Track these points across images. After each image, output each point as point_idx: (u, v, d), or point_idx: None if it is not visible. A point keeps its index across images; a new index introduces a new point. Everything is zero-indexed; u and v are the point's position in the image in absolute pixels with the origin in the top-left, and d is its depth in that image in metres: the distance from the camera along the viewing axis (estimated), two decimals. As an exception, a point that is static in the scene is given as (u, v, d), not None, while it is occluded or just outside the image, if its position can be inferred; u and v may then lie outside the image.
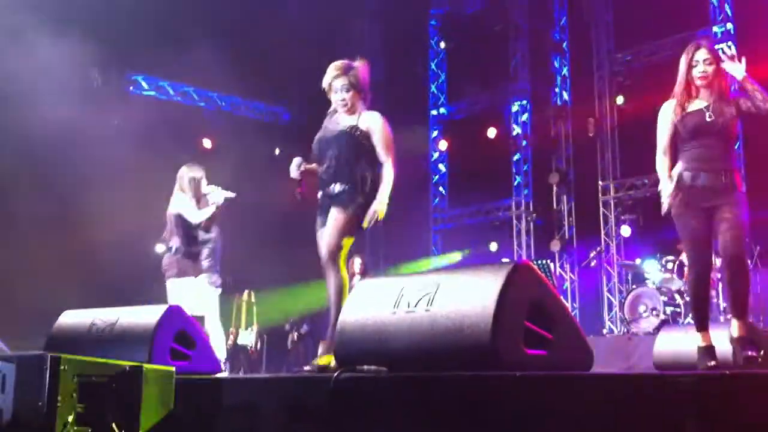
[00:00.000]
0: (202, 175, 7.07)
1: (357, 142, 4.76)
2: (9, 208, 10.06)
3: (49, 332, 5.05)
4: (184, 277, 6.81)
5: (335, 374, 3.26)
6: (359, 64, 4.93)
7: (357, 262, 10.49)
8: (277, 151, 13.29)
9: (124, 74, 12.55)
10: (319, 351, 4.69)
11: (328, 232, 4.66)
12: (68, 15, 10.04)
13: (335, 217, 4.66)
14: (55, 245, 9.51)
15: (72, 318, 5.06)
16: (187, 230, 6.92)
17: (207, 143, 13.14)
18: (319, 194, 4.92)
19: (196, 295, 6.87)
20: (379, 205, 4.70)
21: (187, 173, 7.06)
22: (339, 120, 4.89)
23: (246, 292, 11.60)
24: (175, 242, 6.88)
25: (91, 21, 10.29)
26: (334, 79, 4.85)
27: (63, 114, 9.98)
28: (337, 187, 4.73)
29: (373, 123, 4.80)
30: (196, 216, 6.90)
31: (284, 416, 3.50)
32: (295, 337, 12.65)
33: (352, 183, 4.71)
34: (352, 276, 10.42)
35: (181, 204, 6.98)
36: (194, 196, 6.97)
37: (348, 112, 4.86)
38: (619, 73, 12.72)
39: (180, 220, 6.94)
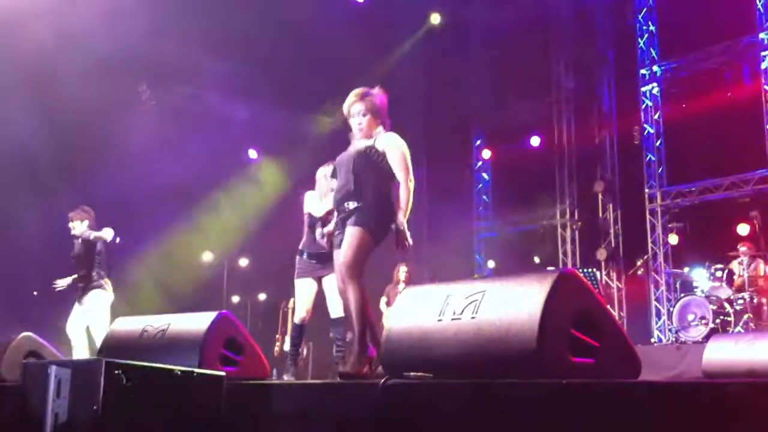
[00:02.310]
0: (329, 170, 6.84)
1: (371, 161, 4.81)
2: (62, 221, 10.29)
3: (103, 339, 5.16)
4: (302, 278, 6.73)
5: (382, 381, 3.30)
6: (377, 91, 5.01)
7: (402, 269, 10.51)
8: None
9: (172, 86, 12.75)
10: (348, 360, 4.73)
11: (344, 249, 4.70)
12: (116, 29, 10.25)
13: (351, 233, 4.69)
14: (108, 254, 9.68)
15: (124, 324, 5.17)
16: (312, 231, 6.77)
17: (253, 154, 13.31)
18: (335, 214, 5.03)
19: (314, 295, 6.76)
20: (400, 227, 4.71)
21: (319, 171, 6.89)
22: (358, 143, 4.98)
23: (292, 299, 11.67)
24: (302, 243, 6.80)
25: (139, 35, 10.50)
26: (352, 105, 4.97)
27: (112, 126, 10.18)
28: (350, 205, 4.78)
29: (388, 143, 4.87)
30: (317, 209, 6.69)
31: (331, 421, 3.54)
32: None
33: (366, 201, 4.75)
34: (396, 283, 10.47)
35: (308, 202, 6.84)
36: (324, 193, 6.71)
37: (365, 136, 4.95)
38: (664, 81, 12.62)
39: (308, 220, 6.84)
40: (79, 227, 8.21)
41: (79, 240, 8.17)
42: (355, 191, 4.77)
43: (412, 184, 4.80)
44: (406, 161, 4.83)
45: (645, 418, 2.70)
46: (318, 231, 5.18)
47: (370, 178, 4.77)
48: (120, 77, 10.67)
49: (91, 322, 7.79)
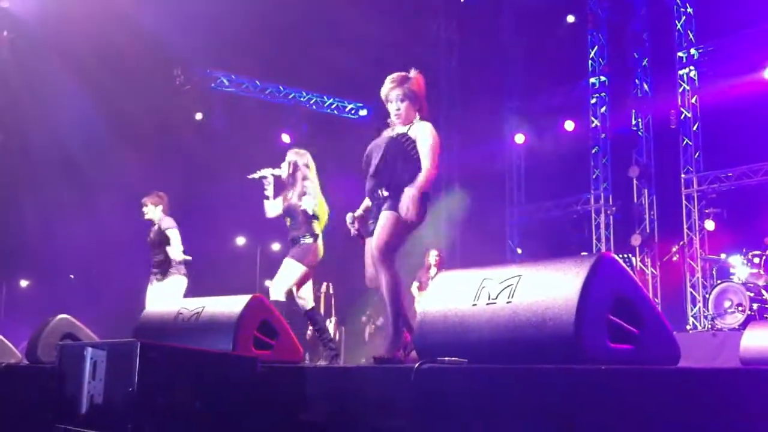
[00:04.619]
0: (286, 160, 6.79)
1: (402, 148, 4.76)
2: (94, 199, 10.38)
3: (137, 321, 5.19)
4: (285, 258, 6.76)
5: (416, 365, 3.27)
6: (414, 76, 4.95)
7: (433, 254, 10.49)
8: None
9: (206, 71, 12.80)
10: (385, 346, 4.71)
11: (377, 232, 4.66)
12: (152, 14, 10.28)
13: (385, 217, 4.67)
14: (143, 238, 9.77)
15: (158, 307, 5.20)
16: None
17: (286, 138, 13.33)
18: (367, 201, 5.04)
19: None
20: (407, 199, 4.56)
21: (266, 171, 6.86)
22: (393, 129, 4.94)
23: (325, 284, 11.72)
24: None
25: (173, 19, 10.54)
26: (390, 91, 4.92)
27: (148, 111, 10.23)
28: (383, 192, 4.76)
29: (421, 131, 4.81)
30: (270, 209, 6.76)
31: (365, 406, 3.53)
32: (372, 329, 12.73)
33: (396, 188, 4.71)
34: (428, 268, 10.45)
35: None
36: (273, 193, 6.79)
37: (403, 122, 4.91)
38: (702, 64, 12.42)
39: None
40: (152, 212, 8.23)
41: (155, 226, 8.20)
42: (384, 178, 4.75)
43: (433, 173, 4.70)
44: (435, 152, 4.75)
45: (684, 405, 2.66)
46: (348, 216, 5.13)
47: (401, 164, 4.73)
48: (155, 61, 10.71)
49: None
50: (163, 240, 8.10)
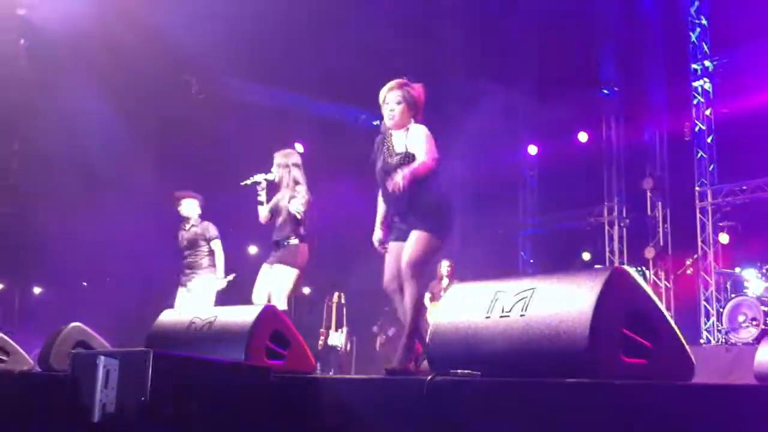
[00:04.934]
0: (275, 163, 6.81)
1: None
2: (109, 206, 10.41)
3: (150, 330, 5.20)
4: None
5: (429, 377, 3.26)
6: (416, 85, 5.00)
7: (445, 265, 10.47)
8: None
9: (220, 79, 12.84)
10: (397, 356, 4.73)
11: (407, 249, 4.69)
12: (163, 21, 10.34)
13: (417, 236, 4.73)
14: (156, 246, 9.82)
15: (171, 316, 5.21)
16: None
17: (299, 148, 13.34)
18: (380, 216, 5.14)
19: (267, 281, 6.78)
20: (398, 175, 4.61)
21: (259, 177, 6.85)
22: (393, 145, 4.94)
23: (336, 293, 11.72)
24: None
25: (186, 27, 10.58)
26: (388, 92, 4.96)
27: (165, 120, 10.27)
28: (411, 218, 4.82)
29: (416, 139, 4.84)
30: (261, 214, 6.79)
31: (377, 417, 3.52)
32: (383, 339, 12.72)
33: (422, 212, 4.78)
34: (440, 279, 10.43)
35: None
36: (265, 198, 6.82)
37: (396, 125, 4.91)
38: (716, 76, 12.37)
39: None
40: (189, 208, 8.21)
41: (192, 226, 8.20)
42: (410, 207, 4.78)
43: (430, 164, 4.72)
44: (428, 145, 4.78)
45: (698, 421, 2.64)
46: (375, 240, 5.18)
47: (417, 188, 4.74)
48: (171, 70, 10.76)
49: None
50: (200, 242, 8.10)
